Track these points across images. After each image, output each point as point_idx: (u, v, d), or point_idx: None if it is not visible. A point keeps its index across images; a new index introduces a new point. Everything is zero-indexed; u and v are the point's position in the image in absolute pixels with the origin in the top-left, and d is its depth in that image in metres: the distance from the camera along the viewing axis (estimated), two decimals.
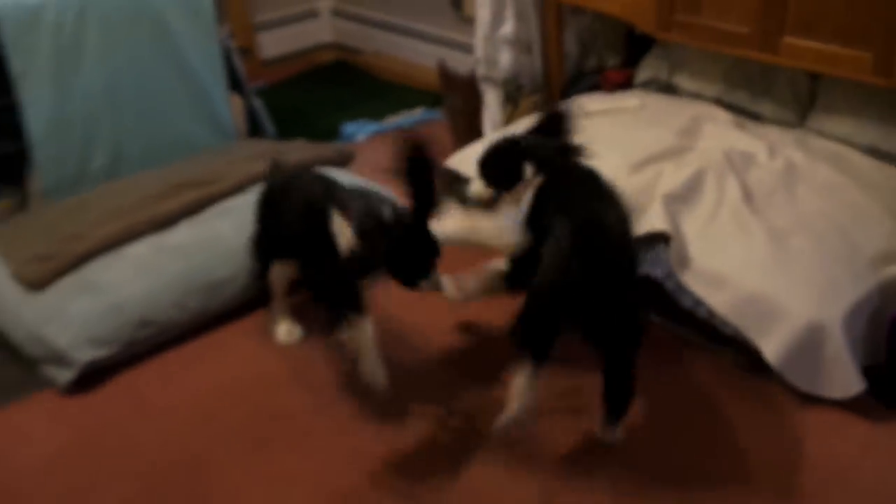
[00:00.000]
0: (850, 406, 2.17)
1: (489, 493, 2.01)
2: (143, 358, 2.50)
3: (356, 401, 2.29)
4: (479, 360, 2.46)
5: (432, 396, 2.31)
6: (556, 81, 3.30)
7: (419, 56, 4.32)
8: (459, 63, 3.62)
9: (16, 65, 2.88)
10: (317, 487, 2.04)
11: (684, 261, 2.44)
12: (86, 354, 2.41)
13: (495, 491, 2.01)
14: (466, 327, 2.59)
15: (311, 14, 4.75)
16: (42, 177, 3.02)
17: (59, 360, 2.41)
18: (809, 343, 2.18)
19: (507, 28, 3.16)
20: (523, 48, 3.22)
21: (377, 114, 3.93)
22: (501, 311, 2.33)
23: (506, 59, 3.19)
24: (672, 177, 2.64)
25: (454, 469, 2.07)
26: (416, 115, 3.93)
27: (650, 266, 2.46)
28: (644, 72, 3.25)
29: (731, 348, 2.36)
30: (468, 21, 3.97)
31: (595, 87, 3.31)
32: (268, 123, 3.54)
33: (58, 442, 2.24)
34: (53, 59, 2.94)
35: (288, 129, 3.60)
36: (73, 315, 2.45)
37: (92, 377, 2.42)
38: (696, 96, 3.11)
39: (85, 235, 2.67)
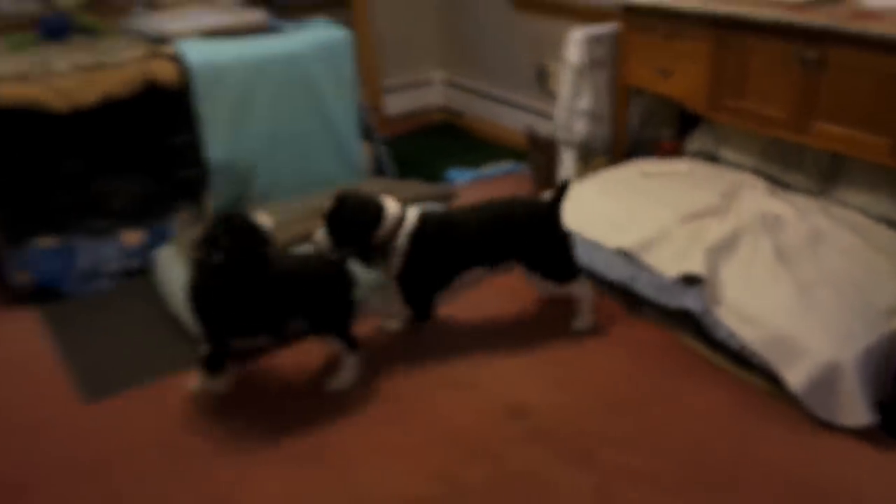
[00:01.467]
0: (860, 434, 2.02)
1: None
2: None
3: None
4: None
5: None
6: (620, 147, 3.20)
7: (509, 120, 4.27)
8: (542, 127, 3.55)
9: (203, 111, 2.92)
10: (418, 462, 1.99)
11: (721, 299, 2.33)
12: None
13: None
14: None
15: (427, 83, 4.75)
16: (214, 197, 3.05)
17: None
18: (827, 378, 2.04)
19: (584, 102, 3.08)
20: (595, 119, 3.13)
21: (474, 164, 3.88)
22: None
23: (580, 126, 3.11)
24: (715, 231, 2.52)
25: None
26: (504, 166, 3.87)
27: (691, 301, 2.35)
28: (693, 143, 3.13)
29: (759, 375, 2.23)
30: (550, 94, 3.91)
31: (651, 154, 3.20)
32: (390, 166, 3.52)
33: (213, 406, 2.23)
34: (231, 108, 2.97)
35: (405, 171, 3.58)
36: None
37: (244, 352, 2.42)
38: (737, 166, 2.98)
39: None
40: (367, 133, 3.42)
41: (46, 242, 2.85)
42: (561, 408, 2.17)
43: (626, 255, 2.55)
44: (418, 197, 3.01)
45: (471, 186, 3.65)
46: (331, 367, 2.33)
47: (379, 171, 3.51)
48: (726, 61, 2.67)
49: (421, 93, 4.73)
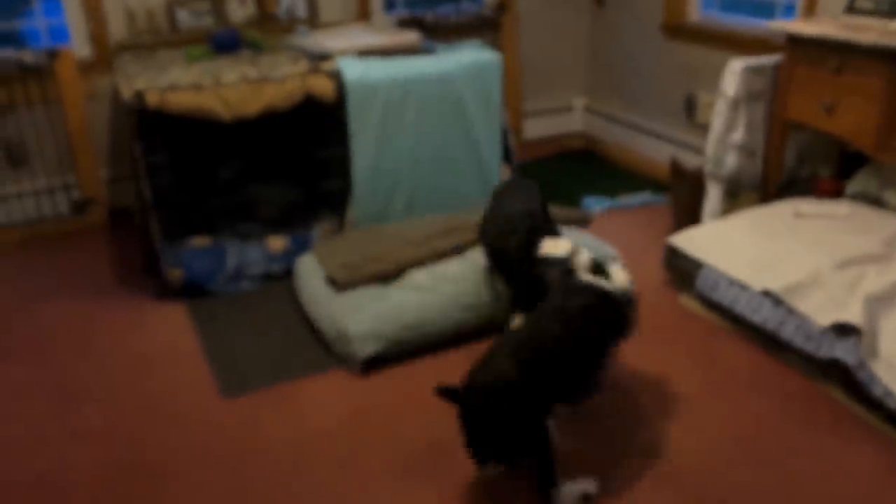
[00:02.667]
0: None
1: None
2: (413, 357, 2.52)
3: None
4: None
5: None
6: (773, 184, 3.04)
7: (650, 150, 4.16)
8: (686, 159, 3.43)
9: (353, 125, 3.03)
10: None
11: (879, 354, 2.15)
12: (369, 346, 2.45)
13: None
14: None
15: (567, 109, 4.72)
16: (356, 209, 3.15)
17: (350, 346, 2.47)
18: None
19: (737, 136, 2.96)
20: (748, 153, 3.00)
21: (611, 192, 3.81)
22: None
23: (731, 160, 2.98)
24: (876, 280, 2.34)
25: None
26: (642, 197, 3.77)
27: (843, 353, 2.18)
28: (855, 185, 2.92)
29: None
30: (697, 126, 3.79)
31: (807, 193, 3.01)
32: None
33: (342, 410, 2.29)
34: (379, 125, 3.07)
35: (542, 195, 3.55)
36: (365, 315, 2.51)
37: (372, 364, 2.46)
38: None
39: (382, 259, 2.74)
40: (506, 155, 3.43)
41: (200, 243, 3.04)
42: (695, 452, 2.06)
43: (773, 299, 2.41)
44: (555, 219, 2.99)
45: (607, 215, 3.58)
46: None
47: None
48: None
49: (561, 118, 4.71)
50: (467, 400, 1.81)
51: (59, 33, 3.60)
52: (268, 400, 2.34)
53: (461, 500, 1.93)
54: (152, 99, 2.79)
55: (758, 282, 2.47)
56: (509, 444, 1.80)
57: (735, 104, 2.92)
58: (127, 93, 2.85)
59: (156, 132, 2.86)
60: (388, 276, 2.67)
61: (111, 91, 3.62)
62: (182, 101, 2.82)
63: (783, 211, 2.83)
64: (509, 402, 1.76)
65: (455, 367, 2.47)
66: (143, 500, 1.97)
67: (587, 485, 1.90)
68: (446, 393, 1.84)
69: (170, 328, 2.77)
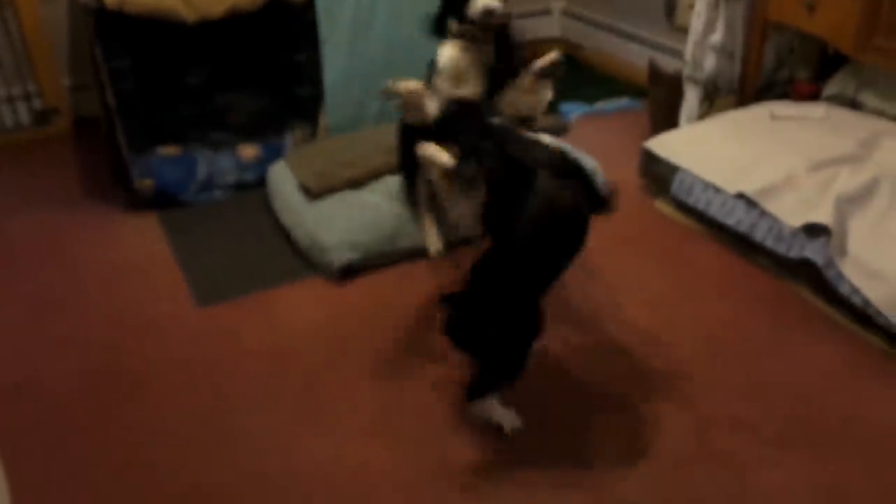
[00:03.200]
0: None
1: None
2: (387, 266, 2.52)
3: None
4: None
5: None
6: (751, 86, 3.00)
7: (630, 55, 4.08)
8: (665, 64, 3.37)
9: (324, 31, 2.92)
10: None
11: (847, 254, 2.18)
12: (344, 255, 2.44)
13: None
14: None
15: (545, 12, 4.59)
16: (329, 116, 3.08)
17: (325, 256, 2.46)
18: None
19: (716, 37, 2.90)
20: (727, 55, 2.94)
21: (589, 98, 3.75)
22: None
23: (710, 63, 2.93)
24: (848, 180, 2.35)
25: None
26: (620, 102, 3.72)
27: (812, 253, 2.21)
28: (832, 87, 2.90)
29: (880, 334, 2.09)
30: (678, 29, 3.70)
31: (784, 96, 2.99)
32: None
33: (319, 317, 2.30)
34: (350, 29, 2.97)
35: None
36: (340, 223, 2.49)
37: (347, 273, 2.46)
38: (880, 113, 2.74)
39: (356, 164, 2.70)
40: None
41: (169, 151, 2.97)
42: (662, 349, 2.11)
43: (747, 201, 2.42)
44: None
45: (584, 121, 3.54)
46: None
47: None
48: None
49: (538, 22, 4.58)
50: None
51: None
52: (243, 308, 2.34)
53: (437, 403, 1.96)
54: None
55: (732, 185, 2.47)
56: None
57: (715, 4, 2.85)
58: None
59: (117, 35, 2.74)
60: (361, 182, 2.64)
61: None
62: (142, 1, 2.69)
63: (759, 114, 2.80)
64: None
65: (431, 274, 2.48)
66: (120, 408, 1.98)
67: (510, 418, 1.85)
68: (447, 299, 1.79)
69: (141, 239, 2.74)
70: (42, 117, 3.60)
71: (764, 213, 2.37)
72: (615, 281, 2.41)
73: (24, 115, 3.58)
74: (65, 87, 3.62)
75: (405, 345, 2.17)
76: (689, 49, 2.97)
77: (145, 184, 2.87)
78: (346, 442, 1.86)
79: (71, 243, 2.73)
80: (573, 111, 3.62)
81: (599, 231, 2.61)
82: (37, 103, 3.58)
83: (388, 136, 2.90)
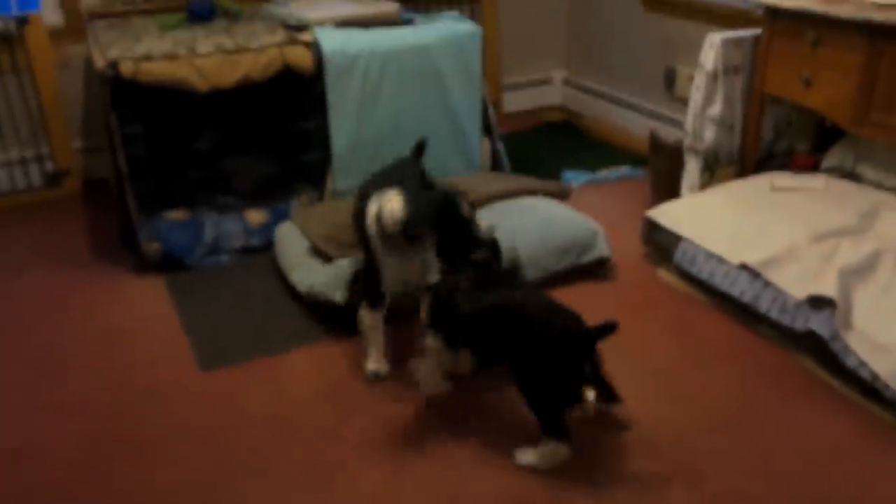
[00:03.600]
0: None
1: None
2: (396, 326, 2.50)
3: None
4: None
5: None
6: (750, 158, 3.05)
7: (630, 124, 4.16)
8: (665, 133, 3.43)
9: (332, 97, 2.99)
10: None
11: (853, 327, 2.18)
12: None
13: None
14: None
15: (547, 81, 4.69)
16: (336, 181, 3.12)
17: (327, 294, 2.46)
18: None
19: (716, 109, 2.95)
20: (726, 127, 3.00)
21: (591, 166, 3.80)
22: None
23: (709, 134, 2.99)
24: (850, 252, 2.37)
25: None
26: (621, 170, 3.77)
27: (818, 325, 2.21)
28: (831, 159, 2.94)
29: (888, 408, 2.07)
30: (677, 100, 3.78)
31: (784, 167, 3.03)
32: (506, 162, 3.50)
33: (324, 381, 2.29)
34: (358, 97, 3.03)
35: (520, 168, 3.55)
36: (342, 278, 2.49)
37: (354, 333, 2.43)
38: (878, 185, 2.77)
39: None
40: (486, 128, 3.41)
41: (177, 216, 3.00)
42: (667, 421, 2.09)
43: (750, 272, 2.43)
44: (533, 188, 3.00)
45: (587, 188, 3.58)
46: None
47: (493, 166, 3.49)
48: (879, 73, 2.49)
49: (540, 91, 4.68)
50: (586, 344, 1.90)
51: (29, 0, 3.50)
52: (247, 372, 2.33)
53: (440, 482, 1.93)
54: (126, 69, 2.73)
55: (735, 255, 2.49)
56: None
57: (713, 77, 2.92)
58: (100, 62, 2.79)
59: (130, 103, 2.81)
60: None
61: (84, 60, 3.54)
62: (157, 71, 2.76)
63: (760, 184, 2.84)
64: None
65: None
66: (120, 474, 1.96)
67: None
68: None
69: (147, 301, 2.74)
70: (53, 179, 3.65)
71: (768, 284, 2.37)
72: (619, 349, 2.39)
73: (36, 177, 3.63)
74: (77, 150, 3.68)
75: (413, 414, 2.14)
76: (689, 120, 3.03)
77: (153, 247, 2.89)
78: None
79: (77, 303, 2.73)
80: (576, 178, 3.67)
81: (603, 298, 2.65)
82: (48, 165, 3.63)
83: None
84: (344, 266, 2.54)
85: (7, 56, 3.41)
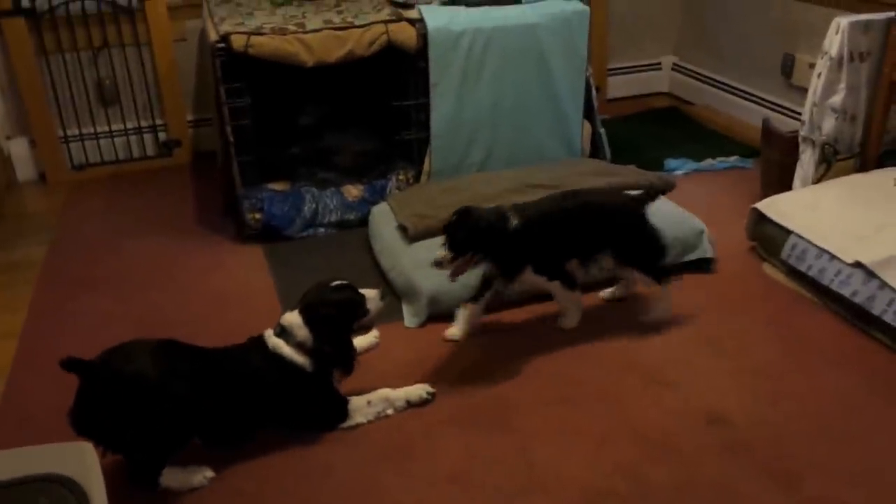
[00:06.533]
0: None
1: None
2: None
3: None
4: None
5: None
6: (873, 151, 2.87)
7: (740, 112, 3.99)
8: (779, 123, 3.27)
9: (434, 75, 3.00)
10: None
11: None
12: (437, 305, 2.46)
13: None
14: None
15: (655, 67, 4.55)
16: (433, 160, 3.13)
17: (418, 302, 2.48)
18: None
19: (838, 98, 2.79)
20: (848, 118, 2.82)
21: (697, 155, 3.66)
22: None
23: (829, 125, 2.82)
24: None
25: None
26: (730, 160, 3.62)
27: None
28: None
29: None
30: (794, 88, 3.60)
31: None
32: (606, 148, 3.43)
33: (408, 358, 2.32)
34: (460, 75, 3.03)
35: (620, 155, 3.46)
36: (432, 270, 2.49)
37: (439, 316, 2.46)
38: None
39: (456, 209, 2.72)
40: (588, 112, 3.35)
41: (278, 187, 3.09)
42: (767, 424, 2.00)
43: (864, 271, 2.29)
44: (635, 184, 2.90)
45: (691, 178, 3.46)
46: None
47: (594, 152, 3.43)
48: None
49: (647, 77, 4.55)
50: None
51: None
52: None
53: (521, 458, 1.93)
54: (238, 42, 2.82)
55: (849, 253, 2.35)
56: None
57: (838, 64, 2.75)
58: (213, 36, 2.90)
59: (240, 76, 2.90)
60: None
61: (199, 34, 3.69)
62: (266, 45, 2.84)
63: (881, 180, 2.67)
64: None
65: (522, 325, 2.46)
66: None
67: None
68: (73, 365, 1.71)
69: (247, 269, 2.85)
70: (165, 148, 3.83)
71: (884, 285, 2.23)
72: (717, 345, 2.32)
73: (150, 146, 3.82)
74: (187, 122, 3.84)
75: (495, 390, 2.15)
76: (807, 109, 2.87)
77: (254, 217, 2.99)
78: (427, 487, 1.84)
79: (182, 267, 2.87)
80: (679, 167, 3.55)
81: (702, 291, 2.57)
82: (162, 135, 3.82)
83: (489, 184, 2.93)
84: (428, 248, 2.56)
85: (129, 29, 3.60)
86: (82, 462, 1.30)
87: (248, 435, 1.96)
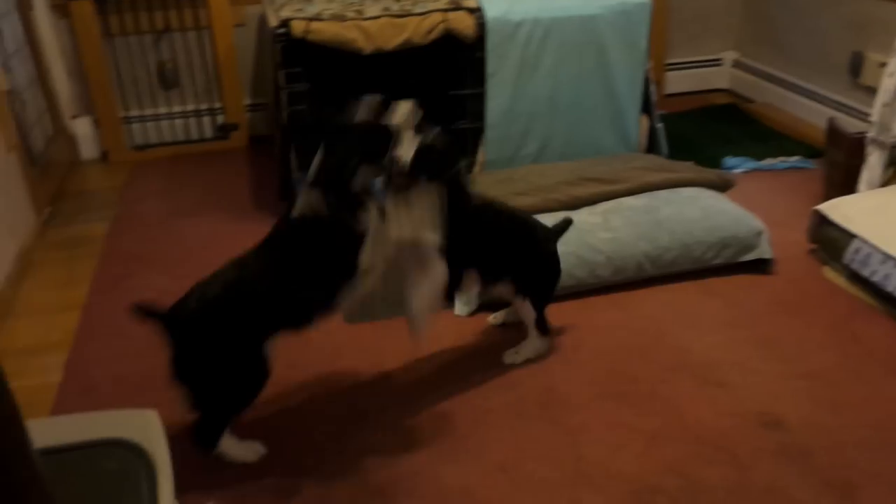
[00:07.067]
0: None
1: None
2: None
3: None
4: None
5: None
6: None
7: (803, 111, 3.89)
8: (847, 124, 3.18)
9: (491, 65, 2.98)
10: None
11: None
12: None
13: None
14: None
15: (715, 62, 4.46)
16: (488, 151, 3.12)
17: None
18: None
19: None
20: None
21: (757, 154, 3.58)
22: None
23: None
24: None
25: None
26: (791, 160, 3.53)
27: None
28: None
29: None
30: (862, 88, 3.49)
31: None
32: (664, 144, 3.37)
33: (462, 347, 2.32)
34: (517, 66, 3.01)
35: (678, 152, 3.41)
36: None
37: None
38: None
39: (510, 202, 2.71)
40: (646, 107, 3.30)
41: None
42: (825, 430, 1.95)
43: None
44: (692, 181, 2.86)
45: (750, 177, 3.39)
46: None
47: (650, 147, 3.38)
48: None
49: (706, 72, 4.47)
50: None
51: None
52: (387, 329, 2.40)
53: (572, 451, 1.92)
54: (297, 28, 2.84)
55: None
56: None
57: None
58: (273, 21, 2.93)
59: (298, 62, 2.93)
60: None
61: (258, 20, 3.73)
62: (326, 31, 2.86)
63: None
64: None
65: (573, 314, 2.44)
66: (261, 410, 2.08)
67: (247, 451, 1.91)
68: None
69: None
70: (223, 131, 3.90)
71: None
72: (773, 348, 2.27)
73: (208, 129, 3.89)
74: (244, 106, 3.90)
75: (543, 387, 2.14)
76: (876, 110, 2.78)
77: None
78: (477, 476, 1.85)
79: (235, 249, 2.88)
80: (738, 166, 3.48)
81: (759, 294, 2.52)
82: (219, 119, 3.88)
83: (543, 176, 2.91)
84: None
85: (190, 13, 3.67)
86: (148, 428, 1.33)
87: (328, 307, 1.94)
